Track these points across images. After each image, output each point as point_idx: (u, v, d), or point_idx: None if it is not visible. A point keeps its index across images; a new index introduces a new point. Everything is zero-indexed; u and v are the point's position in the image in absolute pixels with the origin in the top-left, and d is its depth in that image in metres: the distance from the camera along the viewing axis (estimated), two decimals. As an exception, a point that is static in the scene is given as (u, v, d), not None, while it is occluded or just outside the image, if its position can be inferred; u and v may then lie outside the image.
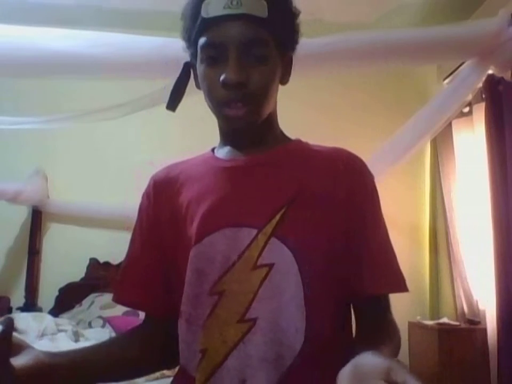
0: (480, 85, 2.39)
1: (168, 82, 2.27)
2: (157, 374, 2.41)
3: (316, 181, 0.82)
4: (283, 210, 0.78)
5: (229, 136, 0.87)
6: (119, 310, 2.96)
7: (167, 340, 0.85)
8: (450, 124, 2.80)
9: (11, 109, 3.09)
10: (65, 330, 2.55)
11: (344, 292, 0.80)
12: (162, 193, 0.88)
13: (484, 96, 2.55)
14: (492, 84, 2.43)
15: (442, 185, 3.22)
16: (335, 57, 1.99)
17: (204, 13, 0.76)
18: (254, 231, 0.77)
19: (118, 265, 3.28)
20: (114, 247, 3.28)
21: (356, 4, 3.08)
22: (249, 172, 0.83)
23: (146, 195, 0.91)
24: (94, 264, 3.27)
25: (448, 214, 3.16)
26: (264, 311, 0.74)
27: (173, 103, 0.89)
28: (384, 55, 2.10)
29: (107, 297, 3.08)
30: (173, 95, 0.88)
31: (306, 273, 0.76)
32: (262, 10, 0.76)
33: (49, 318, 2.68)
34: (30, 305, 3.14)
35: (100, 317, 2.88)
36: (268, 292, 0.75)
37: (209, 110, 0.84)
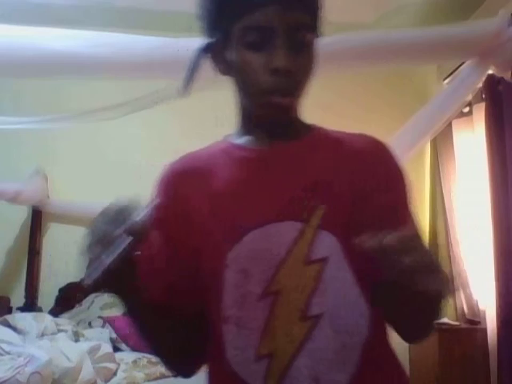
0: (480, 85, 2.39)
1: (167, 84, 2.25)
2: (157, 373, 2.41)
3: (352, 171, 0.79)
4: (326, 202, 0.75)
5: (261, 125, 0.80)
6: (119, 310, 2.96)
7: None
8: (450, 124, 2.80)
9: (11, 109, 3.10)
10: (65, 330, 2.55)
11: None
12: (182, 186, 0.81)
13: (483, 96, 2.55)
14: (492, 84, 2.43)
15: (442, 185, 3.22)
16: (335, 57, 1.99)
17: None
18: (298, 224, 0.74)
19: (118, 265, 3.28)
20: (114, 247, 3.29)
21: (356, 3, 3.08)
22: (281, 163, 0.79)
23: (163, 188, 0.83)
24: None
25: (448, 214, 3.16)
26: (328, 305, 0.73)
27: (186, 88, 0.83)
28: (384, 55, 2.10)
29: (107, 297, 3.08)
30: (187, 80, 0.83)
31: (357, 263, 0.74)
32: None
33: (49, 318, 2.68)
34: (30, 305, 3.14)
35: (100, 317, 2.88)
36: (327, 285, 0.73)
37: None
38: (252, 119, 0.81)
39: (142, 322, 0.78)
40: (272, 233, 0.74)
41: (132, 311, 0.77)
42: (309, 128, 0.84)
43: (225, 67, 0.79)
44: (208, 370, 0.82)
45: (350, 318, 0.74)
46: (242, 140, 0.83)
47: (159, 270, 0.79)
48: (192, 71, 0.82)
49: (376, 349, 0.76)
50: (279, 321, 0.72)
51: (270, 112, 0.77)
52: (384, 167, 0.81)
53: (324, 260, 0.73)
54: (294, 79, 0.74)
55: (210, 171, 0.81)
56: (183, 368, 0.86)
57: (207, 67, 0.82)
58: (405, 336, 0.82)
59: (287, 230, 0.74)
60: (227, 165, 0.81)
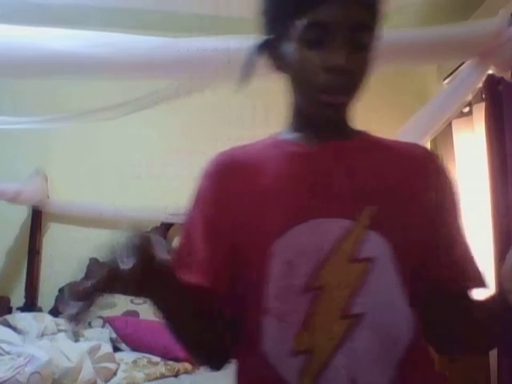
0: (480, 85, 2.39)
1: (167, 84, 2.24)
2: (157, 373, 2.42)
3: (405, 176, 0.80)
4: (376, 203, 0.75)
5: (312, 123, 0.81)
6: (119, 310, 2.96)
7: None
8: (450, 124, 2.80)
9: (11, 109, 3.09)
10: (65, 330, 2.55)
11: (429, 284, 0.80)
12: (231, 176, 0.81)
13: (483, 96, 2.55)
14: (492, 84, 2.43)
15: (442, 185, 3.22)
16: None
17: None
18: (347, 222, 0.74)
19: (118, 265, 3.28)
20: (114, 247, 3.29)
21: (356, 3, 3.08)
22: (332, 160, 0.79)
23: (211, 178, 0.83)
24: (94, 264, 3.26)
25: (448, 214, 3.16)
26: (371, 305, 0.72)
27: (242, 83, 0.84)
28: (384, 55, 2.09)
29: (107, 297, 3.08)
30: (243, 75, 0.83)
31: (404, 266, 0.74)
32: None
33: (49, 318, 2.68)
34: (30, 305, 3.14)
35: (100, 317, 2.88)
36: (372, 286, 0.72)
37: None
38: (303, 117, 0.82)
39: (176, 317, 0.77)
40: (319, 229, 0.74)
41: (167, 303, 0.74)
42: (359, 132, 0.85)
43: (281, 64, 0.79)
44: (239, 363, 0.81)
45: (393, 321, 0.73)
46: (292, 136, 0.83)
47: (198, 258, 0.78)
48: (248, 67, 0.83)
49: (417, 353, 0.75)
50: (320, 317, 0.72)
51: (322, 111, 0.76)
52: (435, 175, 0.83)
53: (370, 260, 0.73)
54: (350, 79, 0.74)
55: (258, 164, 0.81)
56: (214, 361, 0.85)
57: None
58: (457, 350, 0.88)
59: (335, 226, 0.74)
60: (276, 158, 0.81)
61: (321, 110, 0.76)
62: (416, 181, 0.80)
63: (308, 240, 0.74)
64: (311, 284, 0.72)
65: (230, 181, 0.81)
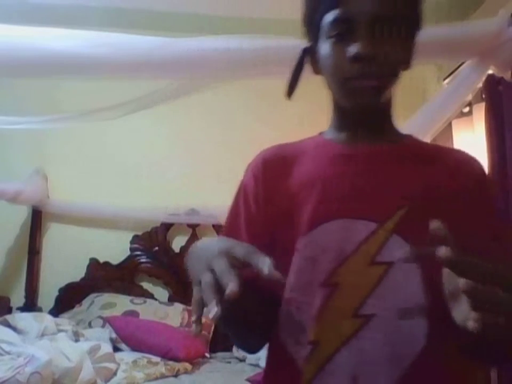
0: (480, 85, 2.39)
1: (167, 84, 2.24)
2: (157, 373, 2.42)
3: (443, 182, 0.79)
4: (406, 208, 0.75)
5: (350, 118, 0.83)
6: (119, 310, 2.96)
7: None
8: (450, 124, 2.80)
9: (11, 109, 3.10)
10: (65, 330, 2.55)
11: None
12: (272, 172, 0.85)
13: (483, 96, 2.55)
14: (492, 84, 2.43)
15: (442, 185, 3.22)
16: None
17: None
18: (373, 225, 0.75)
19: (118, 265, 3.28)
20: (114, 247, 3.30)
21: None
22: (370, 162, 0.80)
23: (253, 173, 0.87)
24: (94, 264, 3.27)
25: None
26: (382, 308, 0.73)
27: (290, 91, 0.87)
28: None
29: (107, 297, 3.08)
30: (290, 82, 0.87)
31: (429, 274, 0.72)
32: None
33: (49, 318, 2.68)
34: (30, 305, 3.15)
35: (100, 317, 2.88)
36: (387, 289, 0.73)
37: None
38: (343, 116, 0.85)
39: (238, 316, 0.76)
40: (344, 228, 0.76)
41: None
42: (402, 136, 0.88)
43: (317, 66, 0.82)
44: (268, 347, 0.84)
45: (405, 328, 0.73)
46: (334, 136, 0.86)
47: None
48: (296, 74, 0.87)
49: (429, 362, 0.73)
50: (331, 313, 0.74)
51: (355, 98, 0.78)
52: (479, 184, 0.81)
53: (389, 264, 0.74)
54: (378, 66, 0.75)
55: (299, 161, 0.85)
56: (254, 347, 0.87)
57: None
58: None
59: (360, 228, 0.76)
60: (315, 157, 0.85)
61: (352, 97, 0.78)
62: (453, 190, 0.78)
63: (333, 239, 0.76)
64: (328, 280, 0.75)
65: (270, 177, 0.85)
